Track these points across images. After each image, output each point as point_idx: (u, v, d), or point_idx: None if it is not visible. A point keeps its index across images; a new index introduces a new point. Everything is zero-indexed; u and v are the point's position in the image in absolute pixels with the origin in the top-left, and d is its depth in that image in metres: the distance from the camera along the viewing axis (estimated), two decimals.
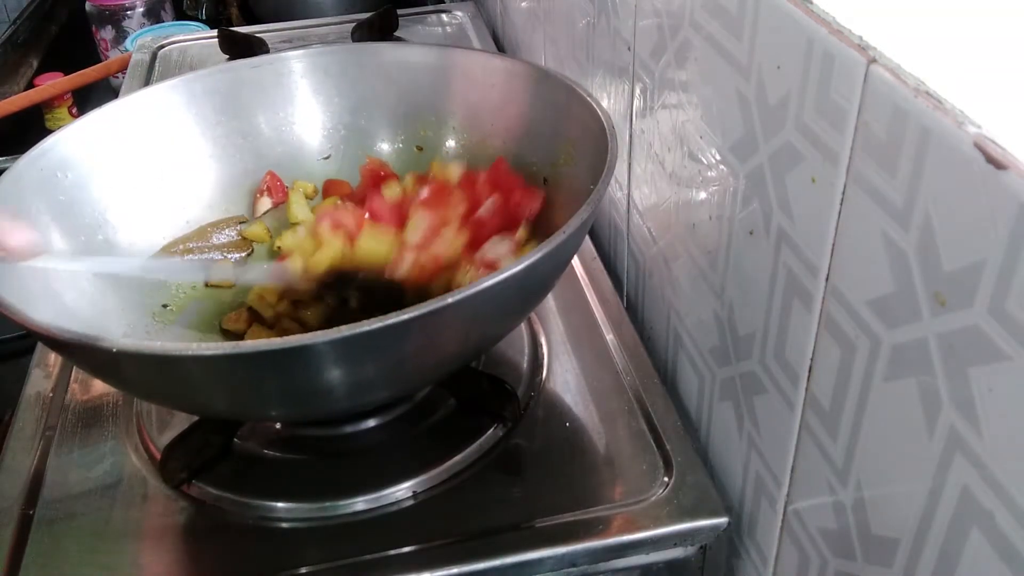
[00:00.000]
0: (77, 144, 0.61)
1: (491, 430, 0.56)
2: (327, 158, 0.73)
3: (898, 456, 0.35)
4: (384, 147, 0.73)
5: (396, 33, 1.12)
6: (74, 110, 1.29)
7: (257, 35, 1.11)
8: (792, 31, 0.39)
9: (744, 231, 0.47)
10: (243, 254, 0.68)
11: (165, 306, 0.63)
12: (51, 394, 0.62)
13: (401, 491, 0.53)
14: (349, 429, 0.57)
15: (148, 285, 0.62)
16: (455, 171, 0.65)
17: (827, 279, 0.39)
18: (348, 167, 0.72)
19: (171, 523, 0.52)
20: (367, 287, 0.61)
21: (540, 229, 0.61)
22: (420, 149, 0.72)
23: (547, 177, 0.64)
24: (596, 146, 0.54)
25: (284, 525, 0.52)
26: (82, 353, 0.46)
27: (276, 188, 0.70)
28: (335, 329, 0.41)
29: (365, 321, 0.41)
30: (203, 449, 0.55)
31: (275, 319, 0.62)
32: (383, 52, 0.73)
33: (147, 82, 1.05)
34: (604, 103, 0.63)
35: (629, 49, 0.62)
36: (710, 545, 0.52)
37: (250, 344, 0.42)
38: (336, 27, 1.16)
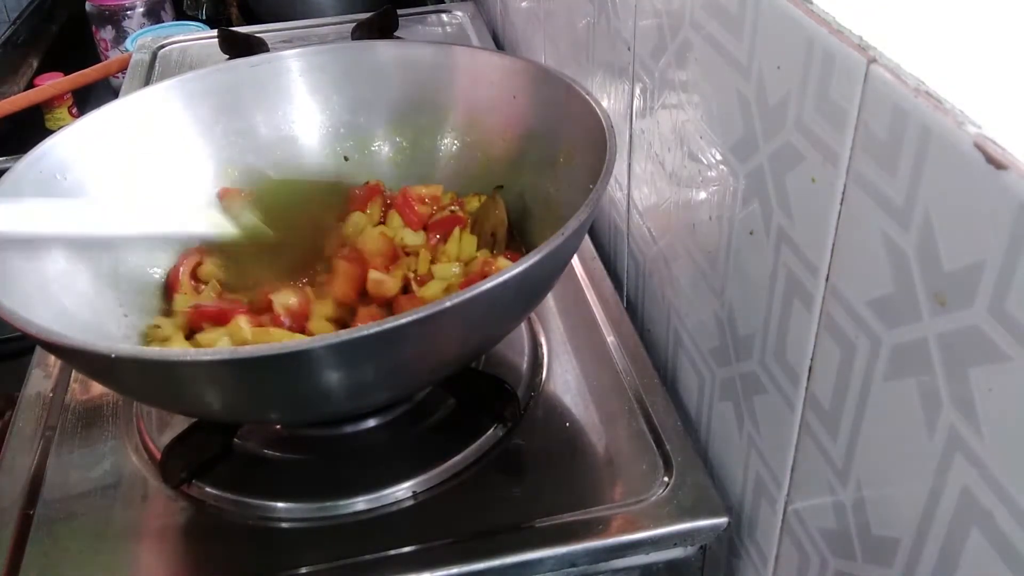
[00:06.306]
0: (76, 146, 0.61)
1: (491, 430, 0.56)
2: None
3: (898, 456, 0.35)
4: (382, 146, 0.73)
5: (396, 33, 1.12)
6: (74, 110, 1.29)
7: (257, 35, 1.11)
8: (792, 31, 0.39)
9: (744, 231, 0.47)
10: None
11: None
12: (51, 394, 0.62)
13: (401, 491, 0.53)
14: (349, 429, 0.57)
15: (148, 287, 0.62)
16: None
17: (827, 279, 0.39)
18: (349, 168, 0.73)
19: (171, 523, 0.52)
20: None
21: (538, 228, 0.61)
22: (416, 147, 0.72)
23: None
24: (596, 146, 0.54)
25: (284, 525, 0.52)
26: (80, 358, 0.45)
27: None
28: (334, 333, 0.41)
29: (363, 325, 0.41)
30: (203, 449, 0.55)
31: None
32: (381, 50, 0.73)
33: (147, 82, 1.05)
34: (604, 103, 0.62)
35: (629, 49, 0.62)
36: (710, 545, 0.52)
37: (248, 349, 0.42)
38: (336, 27, 1.17)
